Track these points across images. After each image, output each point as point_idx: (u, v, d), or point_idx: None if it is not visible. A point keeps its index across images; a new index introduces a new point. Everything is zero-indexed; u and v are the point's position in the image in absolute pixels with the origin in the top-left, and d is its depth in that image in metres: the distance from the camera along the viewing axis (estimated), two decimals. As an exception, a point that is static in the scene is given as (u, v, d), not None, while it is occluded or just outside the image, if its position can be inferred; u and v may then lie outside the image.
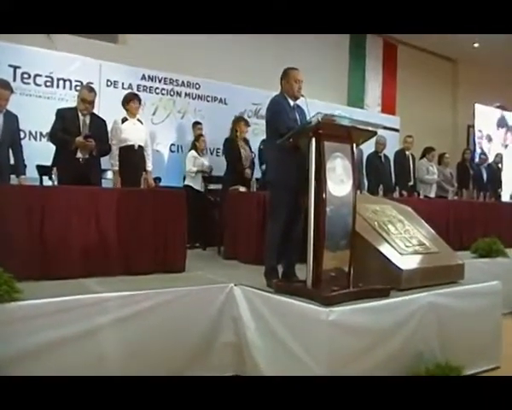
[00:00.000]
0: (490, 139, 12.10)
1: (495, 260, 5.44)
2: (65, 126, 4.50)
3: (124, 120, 5.11)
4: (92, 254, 3.62)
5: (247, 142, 6.30)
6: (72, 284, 3.27)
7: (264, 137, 5.18)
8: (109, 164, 5.11)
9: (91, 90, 4.70)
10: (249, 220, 4.78)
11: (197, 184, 6.43)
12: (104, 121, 4.82)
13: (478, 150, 11.16)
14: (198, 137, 6.69)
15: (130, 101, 5.19)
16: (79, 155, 4.46)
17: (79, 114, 4.57)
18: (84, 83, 6.24)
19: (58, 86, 6.23)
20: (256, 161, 6.56)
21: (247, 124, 6.43)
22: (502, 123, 12.31)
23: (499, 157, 9.89)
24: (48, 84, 6.16)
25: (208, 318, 3.35)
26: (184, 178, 6.59)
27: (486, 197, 7.73)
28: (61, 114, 4.61)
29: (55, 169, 4.05)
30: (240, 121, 6.27)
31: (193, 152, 6.55)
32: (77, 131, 4.49)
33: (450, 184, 8.20)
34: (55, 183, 3.93)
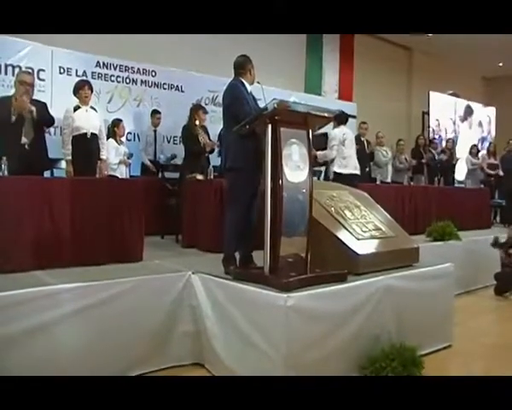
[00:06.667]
0: (441, 125, 12.42)
1: (448, 243, 5.60)
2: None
3: (76, 108, 4.94)
4: (45, 245, 3.50)
5: (205, 130, 6.24)
6: (23, 277, 3.16)
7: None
8: (61, 153, 4.95)
9: (30, 73, 4.56)
10: (207, 208, 4.75)
11: (122, 174, 6.17)
12: (44, 103, 4.67)
13: (431, 136, 11.44)
14: (117, 123, 6.30)
15: (80, 89, 5.00)
16: (24, 140, 4.30)
17: (12, 110, 4.26)
18: (36, 69, 6.07)
19: (6, 73, 6.00)
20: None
21: (205, 111, 6.40)
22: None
23: (451, 142, 10.19)
24: (-5, 70, 5.93)
25: (166, 307, 3.32)
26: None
27: (440, 182, 7.92)
28: None
29: (4, 159, 3.90)
30: (198, 109, 6.22)
31: (112, 141, 6.09)
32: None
33: (405, 169, 8.41)
34: (5, 173, 3.79)
